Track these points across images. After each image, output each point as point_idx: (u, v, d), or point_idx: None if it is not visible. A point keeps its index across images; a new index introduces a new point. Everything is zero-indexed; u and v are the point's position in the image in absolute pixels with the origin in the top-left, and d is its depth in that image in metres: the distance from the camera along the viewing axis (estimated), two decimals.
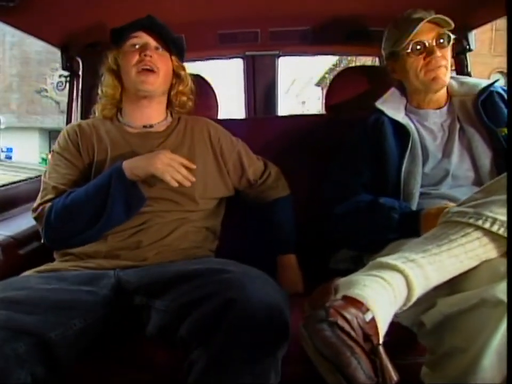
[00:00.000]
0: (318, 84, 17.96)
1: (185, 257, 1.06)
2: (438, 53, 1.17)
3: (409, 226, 1.03)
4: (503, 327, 0.63)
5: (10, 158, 13.61)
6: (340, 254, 1.27)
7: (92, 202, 1.04)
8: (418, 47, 1.18)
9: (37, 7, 1.28)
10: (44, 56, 13.82)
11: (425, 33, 1.18)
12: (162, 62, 1.18)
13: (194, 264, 0.95)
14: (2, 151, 13.72)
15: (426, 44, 1.18)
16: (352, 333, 0.60)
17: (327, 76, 15.71)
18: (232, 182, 1.28)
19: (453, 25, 1.17)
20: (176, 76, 1.25)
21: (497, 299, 0.64)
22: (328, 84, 1.63)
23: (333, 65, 14.89)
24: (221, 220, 1.28)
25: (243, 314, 0.76)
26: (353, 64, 7.14)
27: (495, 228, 0.70)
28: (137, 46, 1.17)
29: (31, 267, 1.04)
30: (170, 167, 1.04)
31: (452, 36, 1.20)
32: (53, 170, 1.16)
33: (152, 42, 1.18)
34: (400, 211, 1.07)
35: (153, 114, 1.23)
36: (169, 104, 1.28)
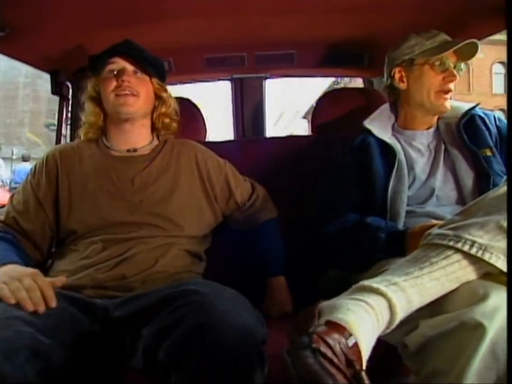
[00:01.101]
0: (304, 117, 18.41)
1: (174, 282, 1.01)
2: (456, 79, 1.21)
3: (396, 246, 1.04)
4: (482, 349, 0.63)
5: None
6: (328, 274, 1.27)
7: None
8: (444, 65, 1.20)
9: (25, 35, 1.30)
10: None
11: (450, 56, 1.21)
12: (141, 85, 1.17)
13: (173, 287, 0.92)
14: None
15: (452, 66, 1.20)
16: (335, 359, 0.60)
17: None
18: (220, 207, 1.26)
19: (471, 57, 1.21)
20: (158, 98, 1.23)
21: (476, 322, 0.64)
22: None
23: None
24: (206, 247, 1.25)
25: (213, 338, 0.73)
26: None
27: (473, 251, 0.70)
28: (114, 72, 1.15)
29: None
30: (25, 290, 0.84)
31: (463, 67, 1.24)
32: (21, 191, 1.18)
33: (130, 67, 1.16)
34: (387, 230, 1.08)
35: (137, 138, 1.21)
36: (154, 127, 1.26)
